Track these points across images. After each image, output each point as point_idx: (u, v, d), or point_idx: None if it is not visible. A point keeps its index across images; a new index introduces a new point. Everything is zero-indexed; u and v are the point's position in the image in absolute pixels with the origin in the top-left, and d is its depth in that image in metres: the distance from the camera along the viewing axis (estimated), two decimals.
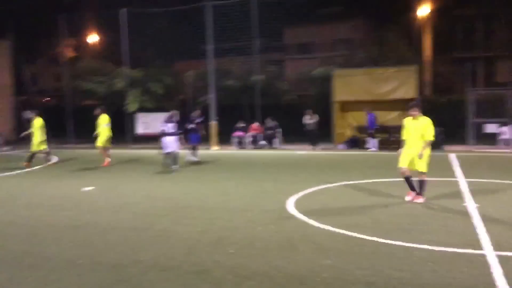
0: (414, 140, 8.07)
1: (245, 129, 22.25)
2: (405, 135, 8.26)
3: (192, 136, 15.12)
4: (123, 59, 24.50)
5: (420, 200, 8.08)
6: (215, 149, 20.93)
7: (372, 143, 19.30)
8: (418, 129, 8.01)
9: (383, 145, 19.30)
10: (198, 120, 15.61)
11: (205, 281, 4.46)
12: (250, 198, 8.80)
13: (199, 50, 24.96)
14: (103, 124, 14.86)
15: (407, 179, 8.20)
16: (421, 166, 8.01)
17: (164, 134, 12.87)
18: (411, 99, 19.49)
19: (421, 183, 8.11)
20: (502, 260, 4.89)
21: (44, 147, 14.66)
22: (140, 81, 26.29)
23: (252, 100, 23.93)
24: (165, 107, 26.47)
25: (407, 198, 8.21)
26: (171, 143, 12.82)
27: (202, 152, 20.03)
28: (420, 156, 7.91)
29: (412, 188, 8.20)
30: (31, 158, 14.40)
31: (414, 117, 8.11)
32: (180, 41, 29.28)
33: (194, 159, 15.13)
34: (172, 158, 12.92)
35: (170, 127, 12.92)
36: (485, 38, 34.62)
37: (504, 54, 32.66)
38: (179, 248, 5.56)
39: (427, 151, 8.02)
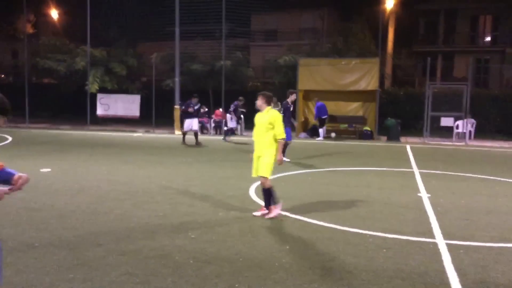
0: (260, 139, 6.49)
1: (208, 115, 22.19)
2: (254, 134, 6.67)
3: (187, 121, 15.90)
4: (85, 38, 23.78)
5: (274, 213, 6.37)
6: (178, 133, 20.79)
7: (322, 132, 19.64)
8: (264, 125, 6.43)
9: (335, 135, 19.87)
10: (196, 107, 16.12)
11: (165, 265, 4.50)
12: (213, 184, 8.85)
13: (164, 32, 24.58)
14: None
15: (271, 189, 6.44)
16: (263, 169, 6.35)
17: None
18: (372, 91, 20.11)
19: (266, 192, 6.44)
20: (452, 248, 5.15)
21: None
22: (102, 61, 25.66)
23: (217, 85, 23.86)
24: (128, 88, 26.07)
25: (256, 214, 6.52)
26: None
27: (165, 136, 19.91)
28: (279, 163, 6.49)
29: (274, 199, 6.47)
30: None
31: (262, 110, 6.59)
32: (146, 22, 28.73)
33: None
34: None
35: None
36: (446, 33, 35.64)
37: (462, 50, 33.76)
38: (140, 233, 5.56)
39: (272, 152, 6.41)
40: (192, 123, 15.85)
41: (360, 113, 21.28)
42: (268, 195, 6.43)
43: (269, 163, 6.38)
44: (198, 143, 15.78)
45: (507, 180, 9.99)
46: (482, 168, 11.72)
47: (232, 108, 18.86)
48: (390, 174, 10.72)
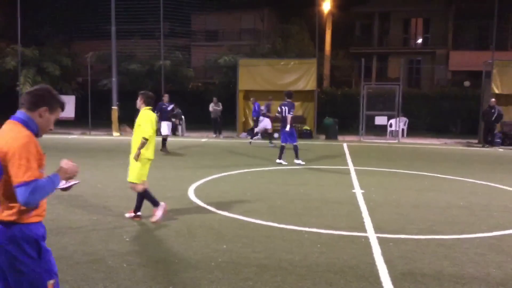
0: (134, 140, 6.20)
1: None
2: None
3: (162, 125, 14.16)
4: (15, 36, 22.57)
5: (157, 216, 6.00)
6: (116, 135, 20.23)
7: (259, 132, 19.79)
8: (136, 126, 6.20)
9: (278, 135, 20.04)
10: (169, 108, 14.52)
11: (97, 270, 4.36)
12: (150, 186, 8.64)
13: (101, 30, 23.85)
14: None
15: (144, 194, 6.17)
16: (130, 174, 6.16)
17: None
18: (310, 91, 20.55)
19: (138, 196, 6.21)
20: (382, 241, 5.36)
21: None
22: (34, 60, 24.48)
23: (156, 86, 23.46)
24: (62, 89, 25.04)
25: (127, 215, 6.29)
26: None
27: (102, 138, 19.30)
28: (135, 158, 6.09)
29: (153, 203, 6.13)
30: None
31: (140, 109, 6.29)
32: (81, 19, 27.72)
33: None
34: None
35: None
36: (380, 35, 37.06)
37: (396, 51, 35.24)
38: (72, 238, 5.36)
39: (143, 154, 6.11)
40: (164, 127, 14.23)
41: (300, 113, 21.64)
42: (141, 199, 6.17)
43: (136, 167, 6.10)
44: (164, 149, 13.79)
45: (436, 175, 10.53)
46: (413, 164, 12.29)
47: (264, 109, 17.75)
48: (327, 172, 11.01)
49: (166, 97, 14.57)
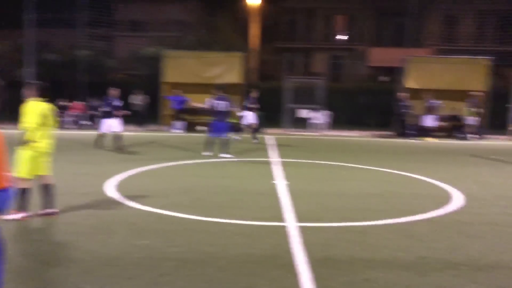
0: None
1: (65, 108, 20.78)
2: None
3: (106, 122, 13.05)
4: None
5: (15, 216, 5.55)
6: None
7: (179, 125, 19.68)
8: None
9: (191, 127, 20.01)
10: (116, 103, 13.19)
11: (7, 271, 4.08)
12: (66, 182, 8.25)
13: (14, 18, 22.34)
14: None
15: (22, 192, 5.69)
16: (20, 169, 5.69)
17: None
18: (238, 84, 20.60)
19: (43, 193, 5.92)
20: (302, 230, 5.50)
21: None
22: None
23: (75, 77, 22.42)
24: None
25: (41, 212, 5.88)
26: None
27: (13, 132, 18.12)
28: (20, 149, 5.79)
29: (20, 206, 5.67)
30: None
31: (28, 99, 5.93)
32: None
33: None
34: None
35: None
36: (305, 31, 37.94)
37: (319, 47, 36.26)
38: None
39: (22, 148, 5.76)
40: (113, 124, 12.99)
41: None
42: (48, 195, 5.88)
43: (26, 161, 5.70)
44: (120, 147, 12.81)
45: (356, 165, 10.97)
46: (335, 156, 12.73)
47: (247, 103, 16.76)
48: (252, 164, 11.11)
49: (114, 92, 13.25)
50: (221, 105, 11.84)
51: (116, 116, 13.07)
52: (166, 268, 4.26)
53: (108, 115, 13.04)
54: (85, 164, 10.26)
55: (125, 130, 19.06)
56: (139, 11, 37.11)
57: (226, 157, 11.69)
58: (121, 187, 7.79)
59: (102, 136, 13.17)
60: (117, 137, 12.97)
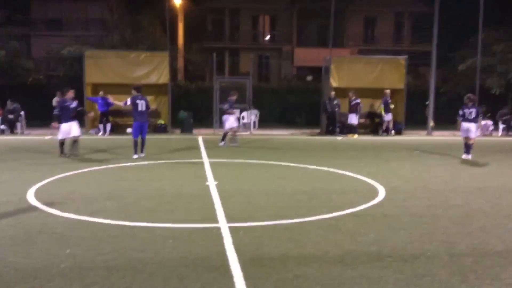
0: None
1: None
2: None
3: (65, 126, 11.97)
4: None
5: None
6: None
7: (101, 127, 19.12)
8: None
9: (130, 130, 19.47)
10: (72, 105, 12.11)
11: None
12: None
13: None
14: None
15: None
16: None
17: None
18: (164, 84, 20.26)
19: None
20: (233, 230, 5.49)
21: None
22: None
23: None
24: None
25: None
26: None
27: None
28: None
29: None
30: None
31: None
32: None
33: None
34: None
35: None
36: (231, 31, 38.07)
37: (246, 47, 36.54)
38: None
39: None
40: (71, 128, 12.07)
41: (154, 107, 21.20)
42: None
43: None
44: (76, 154, 12.10)
45: (284, 163, 11.17)
46: (263, 154, 12.89)
47: (227, 107, 15.21)
48: (182, 166, 10.96)
49: (70, 93, 12.26)
50: (142, 105, 11.65)
51: (73, 119, 12.16)
52: (94, 277, 4.08)
53: (67, 118, 12.00)
54: (3, 171, 9.60)
55: (48, 134, 18.19)
56: (56, 9, 35.34)
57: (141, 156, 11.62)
58: (44, 194, 7.37)
59: (62, 143, 12.05)
60: (75, 142, 12.18)
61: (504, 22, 25.34)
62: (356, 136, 19.18)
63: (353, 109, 19.43)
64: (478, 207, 6.86)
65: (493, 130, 21.53)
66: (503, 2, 27.35)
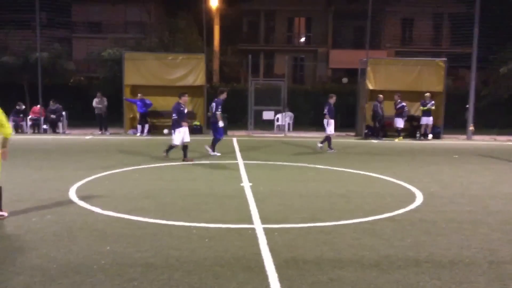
0: None
1: (24, 112, 20.12)
2: None
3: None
4: None
5: None
6: None
7: (139, 128, 19.45)
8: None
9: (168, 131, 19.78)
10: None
11: None
12: (26, 188, 8.02)
13: None
14: None
15: None
16: None
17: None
18: (200, 86, 20.52)
19: None
20: (267, 232, 5.53)
21: None
22: None
23: (33, 80, 21.72)
24: None
25: None
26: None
27: None
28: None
29: None
30: None
31: None
32: None
33: None
34: None
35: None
36: (266, 33, 38.19)
37: (281, 49, 36.57)
38: None
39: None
40: (185, 133, 11.73)
41: (190, 108, 21.51)
42: None
43: None
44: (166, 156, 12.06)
45: (319, 166, 11.13)
46: (297, 157, 12.87)
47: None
48: (217, 167, 11.07)
49: (184, 98, 12.06)
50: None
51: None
52: (132, 274, 4.20)
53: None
54: (44, 170, 9.96)
55: (88, 134, 18.75)
56: (96, 12, 36.36)
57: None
58: (84, 192, 7.62)
59: (186, 146, 11.80)
60: (185, 147, 11.83)
61: None
62: (400, 139, 18.90)
63: (399, 112, 19.11)
64: None
65: None
66: None
